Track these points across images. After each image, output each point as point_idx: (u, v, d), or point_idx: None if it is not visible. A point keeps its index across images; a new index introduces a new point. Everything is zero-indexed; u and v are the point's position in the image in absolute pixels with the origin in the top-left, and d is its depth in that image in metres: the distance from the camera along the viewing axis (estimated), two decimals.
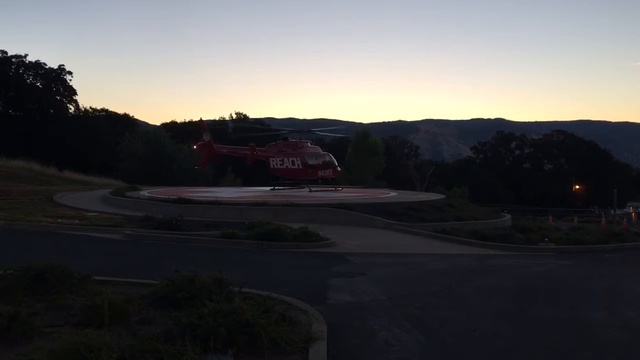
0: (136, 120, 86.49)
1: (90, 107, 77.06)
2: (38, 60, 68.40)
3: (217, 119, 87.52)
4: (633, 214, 51.39)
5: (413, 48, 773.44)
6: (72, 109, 72.26)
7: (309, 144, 34.44)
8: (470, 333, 7.72)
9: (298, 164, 32.29)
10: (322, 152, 34.83)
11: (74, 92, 71.27)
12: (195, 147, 41.95)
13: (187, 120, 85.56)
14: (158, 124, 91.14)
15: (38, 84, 68.87)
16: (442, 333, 7.64)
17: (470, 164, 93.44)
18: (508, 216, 26.78)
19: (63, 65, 69.68)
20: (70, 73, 69.92)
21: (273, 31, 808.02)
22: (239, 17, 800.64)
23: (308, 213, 21.57)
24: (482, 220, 22.86)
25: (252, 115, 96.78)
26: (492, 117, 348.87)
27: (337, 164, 34.44)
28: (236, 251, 15.16)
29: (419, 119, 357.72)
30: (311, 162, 32.40)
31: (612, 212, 46.89)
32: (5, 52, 67.26)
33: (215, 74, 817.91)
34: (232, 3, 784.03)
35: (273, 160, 33.26)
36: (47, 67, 68.59)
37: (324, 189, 33.27)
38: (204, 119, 52.09)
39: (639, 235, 21.45)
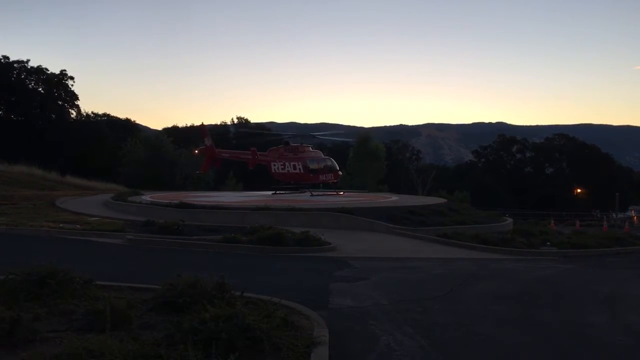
0: (138, 125, 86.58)
1: (92, 112, 77.29)
2: (40, 66, 68.52)
3: (218, 123, 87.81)
4: (635, 217, 51.31)
5: (414, 52, 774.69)
6: (73, 114, 72.33)
7: (311, 148, 34.46)
8: (473, 337, 7.71)
9: (299, 169, 32.29)
10: (323, 156, 34.84)
11: (76, 97, 71.37)
12: (196, 151, 42.07)
13: (188, 125, 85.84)
14: (160, 128, 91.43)
15: (40, 89, 68.94)
16: (444, 338, 7.63)
17: (472, 168, 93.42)
18: (510, 220, 26.76)
19: (65, 70, 69.83)
20: (72, 78, 70.06)
21: (275, 36, 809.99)
22: (240, 22, 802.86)
23: (309, 217, 21.58)
24: (483, 225, 22.83)
25: (253, 119, 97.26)
26: (494, 120, 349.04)
27: (338, 169, 34.44)
28: (238, 256, 15.17)
29: (421, 123, 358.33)
30: (312, 166, 32.40)
31: (614, 216, 46.76)
32: (7, 58, 67.42)
33: (217, 79, 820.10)
34: (233, 8, 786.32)
35: (274, 165, 33.27)
36: (48, 72, 68.71)
37: (325, 193, 33.29)
38: (205, 123, 52.29)
39: None
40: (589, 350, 7.39)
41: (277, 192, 33.59)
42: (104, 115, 78.83)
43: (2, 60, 66.99)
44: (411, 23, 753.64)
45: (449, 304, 9.78)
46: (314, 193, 32.10)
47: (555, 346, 7.43)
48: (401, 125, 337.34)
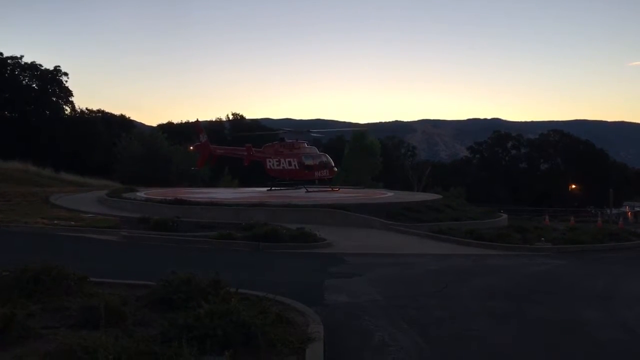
0: (132, 121, 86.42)
1: (87, 109, 76.92)
2: (34, 62, 68.13)
3: (213, 120, 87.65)
4: (629, 213, 51.55)
5: (409, 48, 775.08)
6: (68, 110, 72.01)
7: (306, 144, 34.42)
8: (467, 333, 7.73)
9: (295, 165, 32.27)
10: (318, 152, 34.78)
11: (70, 94, 71.02)
12: (191, 148, 41.96)
13: (183, 121, 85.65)
14: (154, 125, 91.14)
15: (34, 85, 68.57)
16: (439, 333, 7.65)
17: (467, 164, 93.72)
18: (505, 216, 26.81)
19: (59, 66, 69.44)
20: (66, 74, 69.68)
21: (269, 32, 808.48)
22: (235, 19, 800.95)
23: (305, 214, 21.56)
24: (478, 220, 22.89)
25: (248, 116, 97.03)
26: (489, 117, 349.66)
27: (333, 165, 34.40)
28: (233, 252, 15.16)
29: (416, 119, 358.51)
30: (308, 162, 32.37)
31: (609, 211, 46.95)
32: (1, 54, 66.98)
33: (212, 75, 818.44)
34: (228, 5, 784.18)
35: (270, 161, 33.24)
36: (42, 68, 68.31)
37: (320, 189, 33.25)
38: (200, 120, 52.20)
39: (635, 235, 21.47)
40: (583, 345, 7.42)
41: (273, 188, 33.57)
42: (99, 111, 78.59)
43: None
44: (406, 19, 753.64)
45: (444, 300, 9.80)
46: (309, 189, 32.08)
47: (550, 342, 7.45)
48: (396, 121, 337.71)
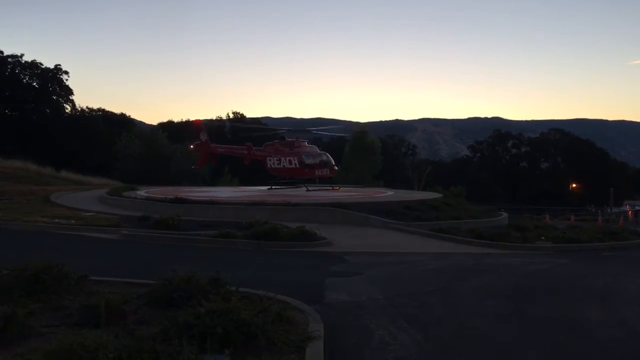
0: (133, 119, 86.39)
1: (87, 107, 76.94)
2: (34, 60, 68.07)
3: (214, 118, 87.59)
4: (630, 212, 51.46)
5: (410, 47, 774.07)
6: (68, 108, 71.94)
7: (306, 143, 34.42)
8: (468, 332, 7.74)
9: (295, 164, 32.28)
10: (319, 151, 34.75)
11: (71, 92, 70.99)
12: (192, 146, 41.94)
13: (184, 120, 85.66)
14: (155, 123, 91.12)
15: (34, 83, 68.50)
16: (439, 332, 7.65)
17: (467, 163, 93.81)
18: (505, 215, 26.80)
19: (59, 65, 69.38)
20: (66, 73, 69.61)
21: (270, 30, 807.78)
22: (236, 17, 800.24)
23: (305, 212, 21.56)
24: (479, 219, 22.89)
25: (249, 114, 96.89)
26: (489, 115, 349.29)
27: (334, 164, 34.39)
28: (233, 251, 15.17)
29: (416, 118, 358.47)
30: (308, 161, 32.37)
31: (609, 210, 46.88)
32: (2, 52, 66.92)
33: (213, 74, 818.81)
34: (228, 3, 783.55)
35: (270, 160, 33.25)
36: (43, 66, 68.24)
37: (321, 188, 33.26)
38: (200, 118, 52.08)
39: (635, 234, 21.48)
40: (582, 344, 7.42)
41: (273, 187, 33.57)
42: (99, 110, 78.61)
43: None
44: (407, 18, 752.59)
45: (444, 299, 9.81)
46: (310, 188, 32.08)
47: (549, 340, 7.46)
48: (397, 120, 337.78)
